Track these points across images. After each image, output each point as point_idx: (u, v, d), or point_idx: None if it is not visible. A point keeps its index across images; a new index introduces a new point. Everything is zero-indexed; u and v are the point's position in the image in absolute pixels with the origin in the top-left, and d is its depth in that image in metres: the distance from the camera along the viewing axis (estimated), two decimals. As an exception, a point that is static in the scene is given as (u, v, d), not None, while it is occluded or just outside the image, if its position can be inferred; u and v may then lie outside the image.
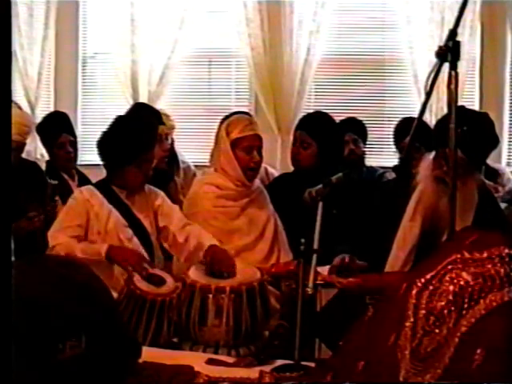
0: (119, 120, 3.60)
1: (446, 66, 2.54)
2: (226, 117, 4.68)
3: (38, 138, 5.51)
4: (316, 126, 4.14)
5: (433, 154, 3.28)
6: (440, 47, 2.53)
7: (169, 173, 4.57)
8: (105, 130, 3.59)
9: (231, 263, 3.19)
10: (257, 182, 3.90)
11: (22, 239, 3.70)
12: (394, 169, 5.17)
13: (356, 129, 5.32)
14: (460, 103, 2.64)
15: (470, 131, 2.98)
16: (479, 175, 3.41)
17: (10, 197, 1.08)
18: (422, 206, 3.25)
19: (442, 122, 3.08)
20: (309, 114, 4.45)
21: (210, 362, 2.57)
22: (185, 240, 3.44)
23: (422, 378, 1.65)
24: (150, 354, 2.30)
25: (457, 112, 2.53)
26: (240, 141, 3.69)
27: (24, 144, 4.44)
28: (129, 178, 3.49)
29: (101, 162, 3.64)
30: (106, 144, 3.53)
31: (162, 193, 3.66)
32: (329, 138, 4.10)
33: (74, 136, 5.07)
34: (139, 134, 3.48)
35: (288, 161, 4.34)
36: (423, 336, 1.73)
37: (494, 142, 3.27)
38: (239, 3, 6.59)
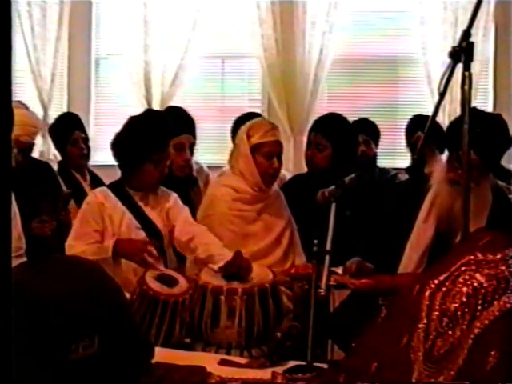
0: (132, 119, 3.59)
1: (459, 67, 2.53)
2: (241, 118, 4.66)
3: (50, 138, 5.54)
4: (331, 128, 4.12)
5: (446, 155, 3.27)
6: (453, 48, 2.52)
7: (191, 178, 4.51)
8: (118, 130, 3.59)
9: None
10: (274, 186, 3.87)
11: (33, 243, 3.70)
12: (407, 170, 5.17)
13: (368, 130, 5.33)
14: (473, 104, 2.63)
15: (483, 133, 2.96)
16: (493, 176, 3.39)
17: (10, 197, 1.08)
18: (435, 208, 3.24)
19: (456, 124, 3.07)
20: (324, 116, 4.40)
21: (223, 362, 2.57)
22: (188, 240, 3.43)
23: (435, 379, 1.65)
24: (162, 354, 2.31)
25: (470, 113, 2.52)
26: (261, 146, 3.65)
27: (33, 144, 4.45)
28: (145, 176, 3.48)
29: (113, 163, 3.64)
30: (120, 143, 3.53)
31: (174, 194, 3.64)
32: (344, 140, 4.09)
33: (86, 135, 5.11)
34: (152, 131, 3.48)
35: (301, 161, 4.34)
36: (436, 337, 1.73)
37: (507, 143, 3.26)
38: (252, 4, 6.60)
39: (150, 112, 3.66)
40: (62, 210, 4.21)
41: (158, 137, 3.48)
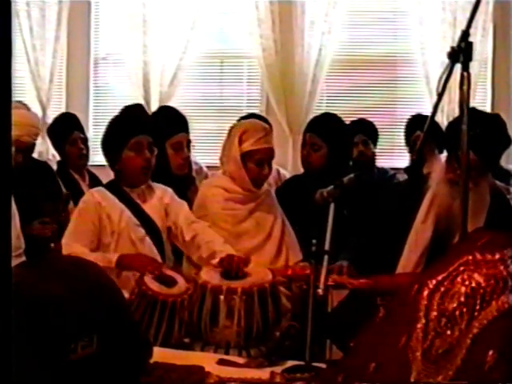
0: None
1: (458, 67, 2.53)
2: (243, 119, 4.64)
3: (48, 138, 5.54)
4: (326, 128, 4.12)
5: (445, 156, 3.28)
6: (452, 48, 2.53)
7: (190, 177, 4.51)
8: None
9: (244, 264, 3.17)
10: (264, 185, 3.87)
11: (32, 243, 3.70)
12: (406, 170, 5.18)
13: (366, 130, 5.34)
14: (472, 104, 2.64)
15: (482, 133, 2.97)
16: (491, 177, 3.40)
17: (10, 197, 1.08)
18: (434, 209, 3.24)
19: (454, 124, 3.08)
20: (318, 116, 4.39)
21: (221, 362, 2.57)
22: (192, 238, 3.44)
23: (433, 379, 1.65)
24: (161, 354, 2.31)
25: (469, 114, 2.52)
26: (252, 153, 3.62)
27: (34, 144, 4.45)
28: (128, 166, 3.48)
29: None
30: (102, 140, 3.60)
31: (170, 190, 3.64)
32: (339, 140, 4.09)
33: (85, 135, 5.12)
34: (124, 118, 3.54)
35: (299, 161, 4.33)
36: (435, 337, 1.73)
37: (506, 143, 3.26)
38: (251, 4, 6.60)
39: (124, 107, 3.71)
40: (62, 211, 4.22)
41: (129, 121, 3.52)
